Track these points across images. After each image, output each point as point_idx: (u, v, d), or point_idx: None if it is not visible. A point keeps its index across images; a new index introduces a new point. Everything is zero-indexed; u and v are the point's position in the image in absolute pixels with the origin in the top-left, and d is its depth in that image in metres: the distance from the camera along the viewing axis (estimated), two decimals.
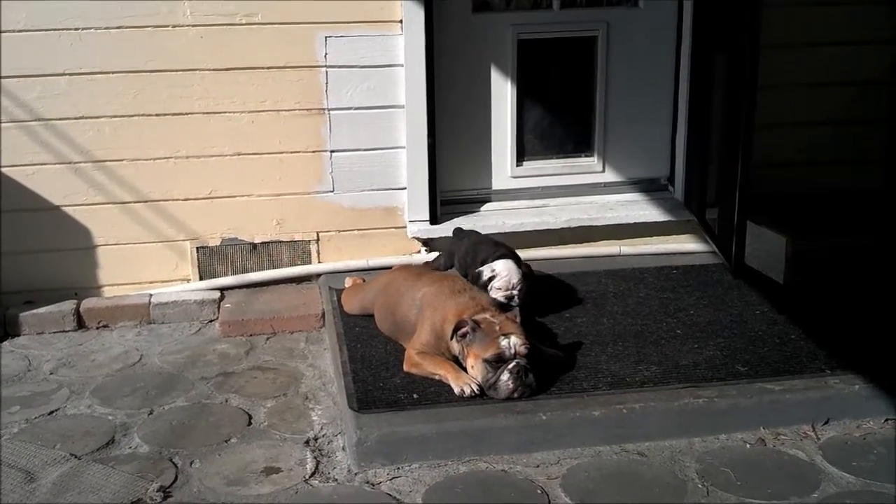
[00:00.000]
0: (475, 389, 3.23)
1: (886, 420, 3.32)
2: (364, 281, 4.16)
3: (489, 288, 3.76)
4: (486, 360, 3.24)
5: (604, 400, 3.27)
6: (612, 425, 3.22)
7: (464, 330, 3.31)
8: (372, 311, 3.86)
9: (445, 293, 3.52)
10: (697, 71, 4.52)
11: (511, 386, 3.22)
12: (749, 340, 3.68)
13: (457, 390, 3.25)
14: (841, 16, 4.64)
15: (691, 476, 3.04)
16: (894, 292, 4.07)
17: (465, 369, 3.33)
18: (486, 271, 3.83)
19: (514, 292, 3.78)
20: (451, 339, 3.34)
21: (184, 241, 4.38)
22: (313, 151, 4.39)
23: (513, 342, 3.24)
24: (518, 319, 3.35)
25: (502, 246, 3.98)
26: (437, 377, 3.35)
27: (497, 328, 3.28)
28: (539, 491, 2.97)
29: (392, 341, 3.67)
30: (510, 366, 3.22)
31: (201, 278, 4.42)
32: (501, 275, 3.80)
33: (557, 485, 3.00)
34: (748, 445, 3.21)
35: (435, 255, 4.40)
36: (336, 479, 3.05)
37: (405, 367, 3.45)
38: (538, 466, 3.10)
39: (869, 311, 3.91)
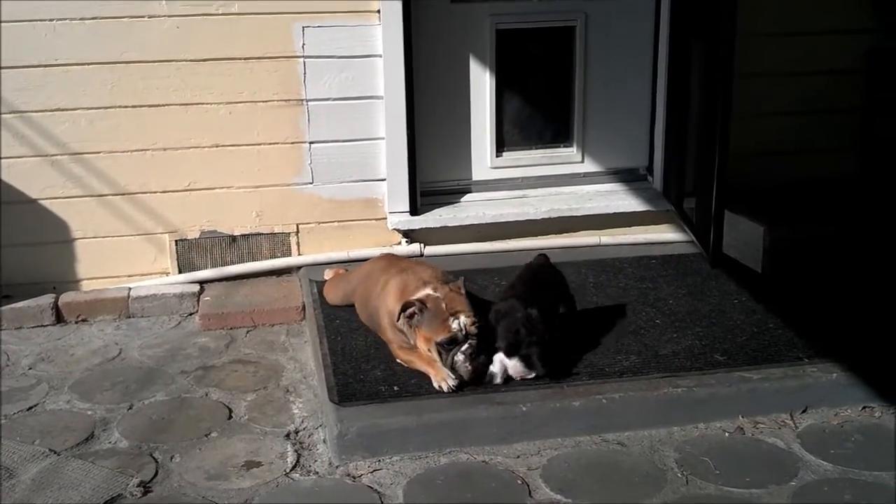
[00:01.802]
0: (452, 385, 3.23)
1: (864, 408, 3.36)
2: (346, 271, 4.16)
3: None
4: (438, 344, 3.24)
5: (583, 390, 3.29)
6: (591, 415, 3.24)
7: (411, 311, 3.30)
8: (353, 301, 3.86)
9: (391, 277, 3.52)
10: (676, 61, 4.53)
11: (469, 367, 3.23)
12: (727, 329, 3.71)
13: (436, 385, 3.25)
14: (816, 4, 4.65)
15: (670, 465, 3.06)
16: (871, 280, 4.10)
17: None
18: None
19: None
20: (398, 320, 3.34)
21: (162, 233, 4.36)
22: (292, 143, 4.36)
23: (463, 322, 3.24)
24: (463, 291, 3.35)
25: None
26: (421, 370, 3.35)
27: (444, 306, 3.26)
28: (520, 482, 2.98)
29: (372, 332, 3.67)
30: (463, 347, 3.22)
31: (180, 271, 4.40)
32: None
33: (538, 475, 3.02)
34: (727, 434, 3.24)
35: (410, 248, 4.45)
36: (317, 473, 3.06)
37: (398, 358, 3.46)
38: (518, 457, 3.12)
39: (846, 300, 3.95)
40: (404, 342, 3.42)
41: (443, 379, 3.25)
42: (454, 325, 3.23)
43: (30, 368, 3.79)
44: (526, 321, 3.25)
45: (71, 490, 2.93)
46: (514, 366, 3.28)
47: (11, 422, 3.38)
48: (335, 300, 3.99)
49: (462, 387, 3.25)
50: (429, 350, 3.29)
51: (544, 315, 3.29)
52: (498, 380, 3.29)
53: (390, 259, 3.93)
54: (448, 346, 3.24)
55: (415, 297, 3.32)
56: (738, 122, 4.16)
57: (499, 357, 3.29)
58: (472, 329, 3.24)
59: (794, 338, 3.61)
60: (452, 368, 3.25)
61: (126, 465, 3.08)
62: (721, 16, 4.00)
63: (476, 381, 3.27)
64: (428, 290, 3.33)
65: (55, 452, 3.16)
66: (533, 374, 3.29)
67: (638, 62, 4.71)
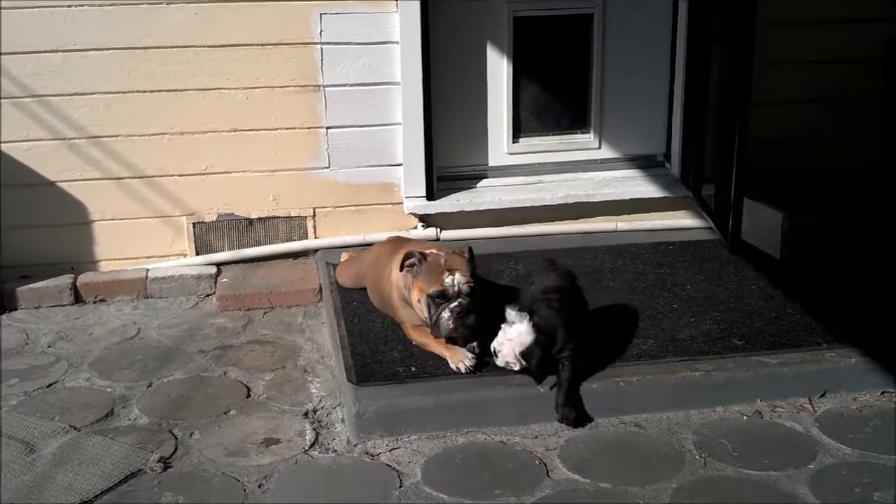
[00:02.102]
0: (470, 366, 3.24)
1: (883, 393, 3.34)
2: (358, 254, 4.16)
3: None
4: (429, 296, 3.25)
5: (601, 373, 3.29)
6: (609, 398, 3.24)
7: (411, 261, 3.33)
8: (364, 284, 3.87)
9: (399, 255, 3.50)
10: (694, 46, 4.52)
11: (451, 325, 3.22)
12: (745, 315, 3.69)
13: (453, 366, 3.26)
14: None
15: (688, 447, 3.06)
16: (890, 267, 4.08)
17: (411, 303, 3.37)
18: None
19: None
20: (401, 270, 3.35)
21: (180, 216, 4.37)
22: (309, 128, 4.37)
23: (457, 279, 3.24)
24: (467, 255, 3.36)
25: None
26: (436, 352, 3.35)
27: (443, 262, 3.28)
28: (537, 462, 2.98)
29: (388, 316, 3.68)
30: (452, 304, 3.22)
31: (198, 253, 4.41)
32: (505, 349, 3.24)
33: (555, 455, 3.02)
34: (745, 417, 3.23)
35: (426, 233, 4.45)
36: (335, 451, 3.06)
37: (412, 340, 3.46)
38: (536, 438, 3.12)
39: (865, 286, 3.93)
40: (416, 321, 3.42)
41: (459, 360, 3.25)
42: (447, 280, 3.24)
43: (49, 346, 3.82)
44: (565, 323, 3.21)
45: (91, 465, 2.95)
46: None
47: (32, 398, 3.40)
48: (346, 282, 4.01)
49: (479, 367, 3.25)
50: (419, 301, 3.30)
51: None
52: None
53: (398, 241, 3.94)
54: (438, 299, 3.24)
55: (417, 250, 3.36)
56: (756, 110, 4.15)
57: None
58: (465, 288, 3.24)
59: (812, 323, 3.60)
60: (436, 324, 3.24)
61: (146, 441, 3.10)
62: (741, 1, 3.98)
63: (462, 342, 3.27)
64: (432, 250, 3.39)
65: (75, 428, 3.18)
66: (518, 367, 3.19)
67: (656, 47, 4.69)
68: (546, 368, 3.18)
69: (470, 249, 3.41)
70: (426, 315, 3.30)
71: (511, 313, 3.17)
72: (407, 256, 3.34)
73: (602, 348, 3.41)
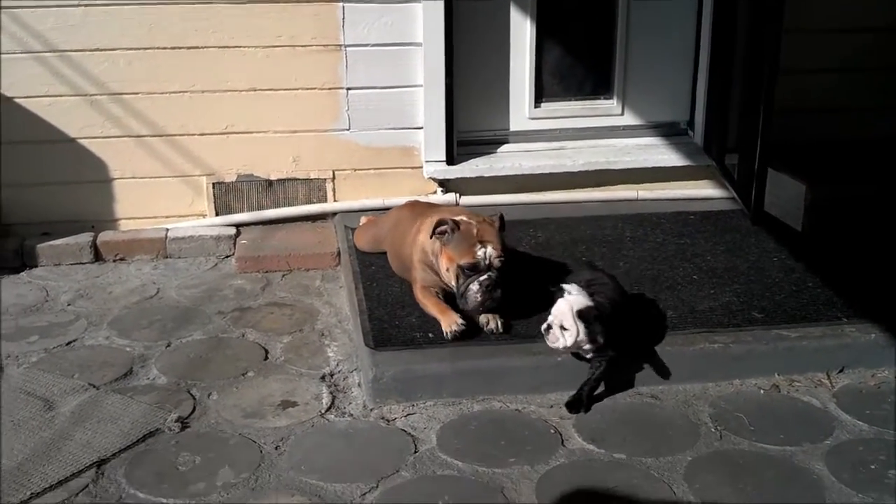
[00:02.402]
0: (457, 331, 3.20)
1: None
2: (377, 218, 4.15)
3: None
4: (459, 266, 3.22)
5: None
6: (626, 368, 3.22)
7: (443, 228, 3.28)
8: (383, 249, 3.86)
9: (426, 218, 3.46)
10: (721, 13, 4.44)
11: (479, 298, 3.20)
12: (766, 287, 3.67)
13: (445, 330, 3.23)
14: None
15: (704, 420, 3.05)
16: None
17: (438, 273, 3.33)
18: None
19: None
20: (431, 237, 3.31)
21: (199, 176, 4.37)
22: (329, 88, 4.34)
23: (489, 252, 3.21)
24: (497, 224, 3.32)
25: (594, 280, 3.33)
26: (432, 314, 3.34)
27: (475, 232, 3.25)
28: (552, 430, 2.99)
29: (407, 282, 3.67)
30: (482, 277, 3.20)
31: (217, 214, 4.42)
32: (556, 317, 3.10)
33: (570, 425, 3.02)
34: (762, 391, 3.22)
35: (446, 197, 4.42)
36: (352, 415, 3.08)
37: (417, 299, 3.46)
38: (552, 407, 3.12)
39: (887, 260, 3.89)
40: (429, 283, 3.41)
41: (448, 325, 3.23)
42: (479, 253, 3.21)
43: (69, 304, 3.84)
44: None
45: (110, 423, 2.98)
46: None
47: (51, 355, 3.43)
48: (364, 246, 4.00)
49: (466, 335, 3.20)
50: (447, 270, 3.27)
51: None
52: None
53: (417, 205, 3.92)
54: (469, 271, 3.22)
55: (450, 217, 3.31)
56: (782, 78, 4.07)
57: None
58: (496, 262, 3.21)
59: (833, 297, 3.57)
60: (463, 295, 3.22)
61: (164, 400, 3.12)
62: None
63: (486, 311, 3.23)
64: (463, 217, 3.34)
65: (94, 386, 3.21)
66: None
67: (682, 13, 4.62)
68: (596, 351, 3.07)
69: (501, 218, 3.37)
70: (453, 284, 3.27)
71: (570, 286, 3.08)
72: (439, 223, 3.28)
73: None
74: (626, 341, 3.18)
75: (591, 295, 3.10)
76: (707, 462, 2.85)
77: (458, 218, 3.32)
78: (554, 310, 3.05)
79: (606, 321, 3.05)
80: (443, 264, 3.31)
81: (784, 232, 4.16)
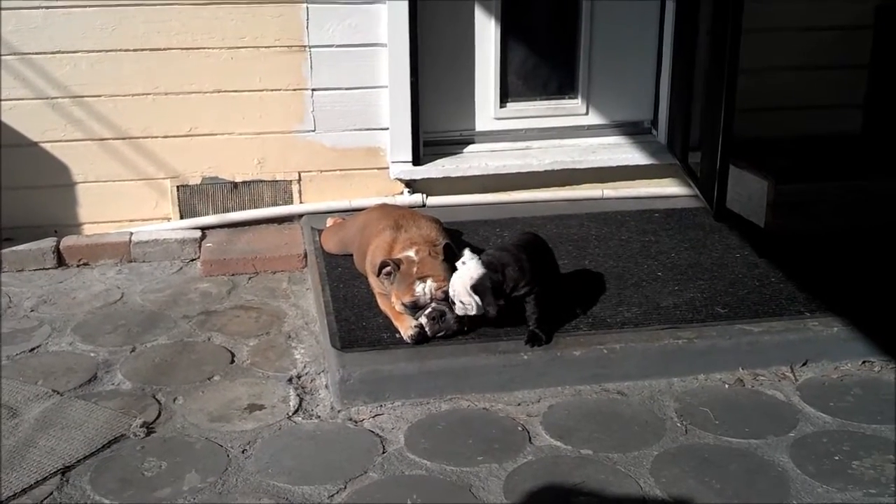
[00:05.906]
0: (412, 335, 3.24)
1: (864, 362, 3.37)
2: (343, 220, 4.15)
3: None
4: (404, 305, 3.28)
5: (584, 340, 3.30)
6: (592, 365, 3.25)
7: (387, 269, 3.35)
8: (351, 251, 3.86)
9: (386, 230, 3.54)
10: (682, 13, 4.48)
11: (430, 331, 3.26)
12: (729, 283, 3.71)
13: (404, 336, 3.27)
14: None
15: (670, 415, 3.08)
16: (874, 237, 4.10)
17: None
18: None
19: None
20: (378, 276, 3.38)
21: (164, 179, 4.34)
22: (294, 89, 4.33)
23: (428, 287, 3.27)
24: (442, 256, 3.36)
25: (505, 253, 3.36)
26: (392, 321, 3.36)
27: (415, 270, 3.30)
28: (520, 428, 3.00)
29: None
30: (427, 311, 3.26)
31: (182, 217, 4.39)
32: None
33: (538, 422, 3.04)
34: (727, 385, 3.25)
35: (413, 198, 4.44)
36: (319, 416, 3.07)
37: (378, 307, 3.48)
38: (519, 405, 3.13)
39: (849, 256, 3.95)
40: (385, 292, 3.44)
41: (405, 330, 3.27)
42: (418, 290, 3.26)
43: (32, 310, 3.80)
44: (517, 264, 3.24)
45: (74, 430, 2.95)
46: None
47: (14, 362, 3.39)
48: (332, 248, 3.99)
49: (424, 340, 3.24)
50: (400, 304, 3.33)
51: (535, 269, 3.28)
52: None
53: (385, 209, 3.92)
54: (412, 308, 3.28)
55: (393, 257, 3.36)
56: (744, 77, 4.12)
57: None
58: (439, 294, 3.26)
59: (795, 292, 3.62)
60: (420, 329, 3.28)
61: (129, 406, 3.10)
62: None
63: (445, 337, 3.28)
64: (410, 252, 3.37)
65: (58, 393, 3.17)
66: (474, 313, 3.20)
67: (644, 13, 4.65)
68: (503, 309, 3.20)
69: (446, 247, 3.38)
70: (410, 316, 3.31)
71: (464, 256, 3.21)
72: (383, 265, 3.35)
73: (587, 315, 3.44)
74: (547, 276, 3.32)
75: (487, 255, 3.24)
76: (673, 456, 2.87)
77: (400, 255, 3.36)
78: (450, 287, 3.21)
79: (501, 285, 3.16)
80: (394, 300, 3.35)
81: (747, 228, 4.21)
